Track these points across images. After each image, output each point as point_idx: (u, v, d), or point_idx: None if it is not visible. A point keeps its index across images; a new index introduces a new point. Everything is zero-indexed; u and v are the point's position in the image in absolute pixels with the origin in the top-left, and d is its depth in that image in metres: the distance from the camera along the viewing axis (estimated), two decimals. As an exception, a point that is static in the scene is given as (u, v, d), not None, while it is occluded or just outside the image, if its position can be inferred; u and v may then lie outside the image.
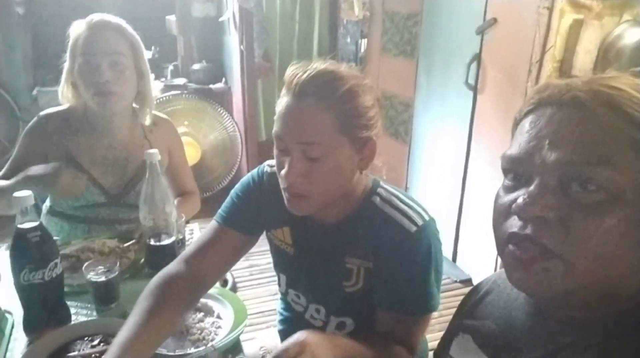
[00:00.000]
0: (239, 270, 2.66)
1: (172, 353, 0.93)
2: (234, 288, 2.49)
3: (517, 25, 2.14)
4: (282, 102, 0.84)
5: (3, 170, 1.40)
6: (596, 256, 0.49)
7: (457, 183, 2.63)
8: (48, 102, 1.44)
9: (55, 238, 1.05)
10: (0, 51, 2.98)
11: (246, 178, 1.03)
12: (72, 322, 1.01)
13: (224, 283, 2.48)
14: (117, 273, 1.06)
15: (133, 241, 1.31)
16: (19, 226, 0.89)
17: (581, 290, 0.51)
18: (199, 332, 1.00)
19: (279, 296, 1.16)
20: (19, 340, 0.97)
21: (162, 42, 3.40)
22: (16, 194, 0.89)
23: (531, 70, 2.05)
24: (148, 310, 0.84)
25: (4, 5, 2.93)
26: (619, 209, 0.48)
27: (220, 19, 3.31)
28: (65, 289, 1.03)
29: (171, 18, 3.36)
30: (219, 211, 1.02)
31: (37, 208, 1.42)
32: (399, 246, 0.87)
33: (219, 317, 1.06)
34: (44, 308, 0.96)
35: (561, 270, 0.50)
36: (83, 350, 0.91)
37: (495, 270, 2.35)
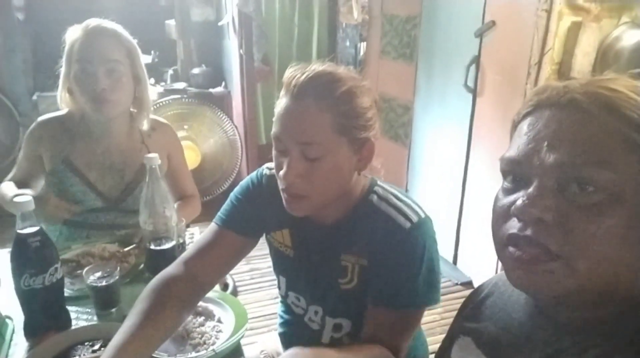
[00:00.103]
0: (240, 274, 2.66)
1: (172, 358, 0.93)
2: (235, 292, 2.49)
3: (515, 27, 2.14)
4: (281, 103, 0.85)
5: (11, 173, 1.44)
6: (596, 256, 0.49)
7: (457, 186, 2.63)
8: (48, 107, 1.44)
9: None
10: (0, 55, 2.99)
11: (245, 180, 1.04)
12: (73, 327, 1.01)
13: (225, 287, 2.48)
14: (117, 277, 1.06)
15: (133, 245, 1.31)
16: (20, 231, 0.89)
17: (582, 290, 0.51)
18: (199, 336, 1.00)
19: (279, 299, 1.16)
20: (19, 345, 0.97)
21: (162, 47, 3.41)
22: (16, 199, 0.89)
23: (530, 72, 2.06)
24: (145, 312, 0.84)
25: (4, 11, 2.94)
26: (618, 210, 0.48)
27: (220, 23, 3.32)
28: (66, 294, 1.03)
29: (170, 22, 3.37)
30: (219, 213, 1.02)
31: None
32: (392, 242, 0.87)
33: (219, 320, 1.06)
34: (44, 313, 0.96)
35: (562, 271, 0.50)
36: (84, 355, 0.91)
37: (496, 272, 2.34)
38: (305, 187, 0.84)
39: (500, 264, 2.29)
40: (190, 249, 0.99)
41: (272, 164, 0.92)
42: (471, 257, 2.66)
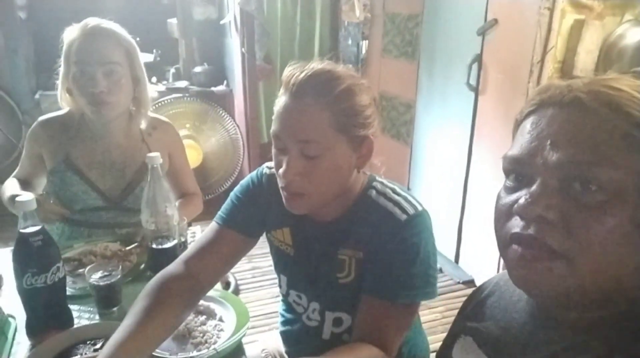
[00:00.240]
0: (242, 273, 2.66)
1: (174, 357, 0.93)
2: (237, 291, 2.50)
3: (518, 25, 2.14)
4: (280, 101, 0.86)
5: (15, 171, 1.45)
6: (599, 256, 0.49)
7: (459, 184, 2.63)
8: (50, 106, 1.45)
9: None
10: (2, 55, 2.99)
11: (245, 179, 1.04)
12: (75, 326, 1.01)
13: (227, 285, 2.48)
14: (119, 276, 1.06)
15: (135, 244, 1.31)
16: (21, 230, 0.90)
17: (583, 290, 0.51)
18: (201, 334, 1.00)
19: (280, 298, 1.16)
20: (21, 344, 0.97)
21: (164, 45, 3.41)
22: (18, 199, 0.89)
23: (532, 71, 2.05)
24: (144, 311, 0.84)
25: (7, 10, 2.94)
26: (621, 209, 0.48)
27: (222, 22, 3.32)
28: (68, 293, 1.03)
29: (172, 21, 3.37)
30: (219, 212, 1.02)
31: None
32: (387, 233, 0.87)
33: (221, 319, 1.06)
34: (46, 312, 0.96)
35: (564, 270, 0.50)
36: (86, 353, 0.91)
37: (498, 270, 2.34)
38: (305, 185, 0.84)
39: (502, 263, 2.29)
40: (190, 248, 1.00)
41: (272, 163, 0.92)
42: (473, 256, 2.65)
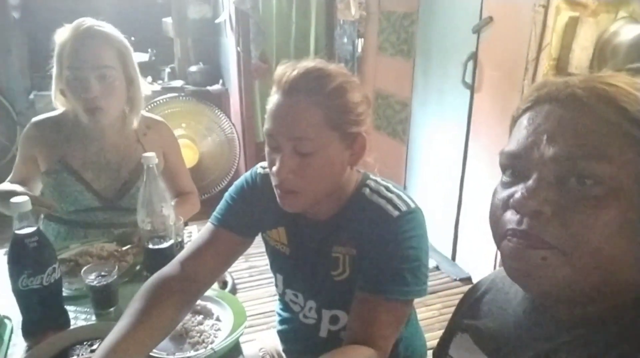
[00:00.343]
0: (239, 272, 2.66)
1: (171, 357, 0.93)
2: (234, 290, 2.49)
3: (513, 23, 2.14)
4: (273, 100, 0.86)
5: (10, 177, 1.43)
6: (594, 250, 0.49)
7: (455, 182, 2.64)
8: (45, 106, 1.44)
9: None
10: (-4, 54, 2.98)
11: (240, 180, 1.04)
12: (71, 327, 1.01)
13: (224, 285, 2.48)
14: (115, 277, 1.06)
15: (130, 246, 1.31)
16: (17, 231, 0.89)
17: (578, 284, 0.51)
18: (198, 334, 1.00)
19: (277, 297, 1.16)
20: (18, 346, 0.97)
21: (159, 45, 3.40)
22: (13, 200, 0.89)
23: (528, 68, 2.05)
24: (139, 312, 0.84)
25: (0, 10, 2.92)
26: (616, 203, 0.48)
27: (217, 21, 3.31)
28: (64, 294, 1.03)
29: (167, 20, 3.36)
30: (214, 213, 1.02)
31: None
32: (379, 229, 0.87)
33: (218, 319, 1.06)
34: (42, 313, 0.96)
35: (559, 261, 0.50)
36: (82, 354, 0.91)
37: (495, 267, 2.35)
38: (298, 182, 0.85)
39: (498, 260, 2.30)
40: (186, 249, 0.99)
41: (266, 163, 0.92)
42: (469, 253, 2.66)
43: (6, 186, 1.35)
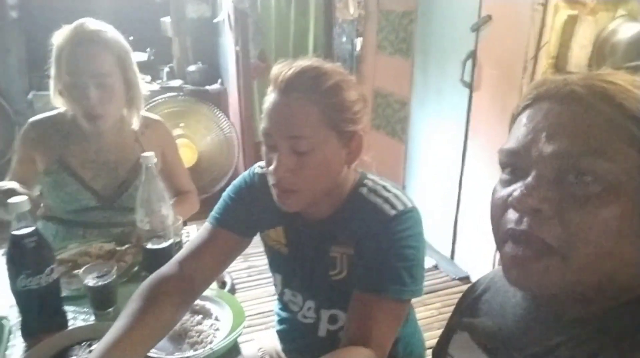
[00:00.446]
0: (238, 272, 2.66)
1: (170, 357, 0.93)
2: (233, 290, 2.49)
3: (511, 22, 2.14)
4: (269, 99, 0.86)
5: (7, 176, 1.42)
6: (593, 248, 0.49)
7: (454, 181, 2.63)
8: (44, 106, 1.43)
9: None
10: (-6, 55, 2.97)
11: (238, 179, 1.04)
12: (70, 327, 1.01)
13: (223, 285, 2.48)
14: (114, 277, 1.06)
15: (128, 246, 1.30)
16: (15, 232, 0.89)
17: (578, 284, 0.51)
18: (197, 334, 0.99)
19: (276, 297, 1.16)
20: (16, 346, 0.97)
21: (157, 44, 3.39)
22: (11, 200, 0.88)
23: (526, 66, 2.05)
24: (137, 312, 0.83)
25: (-2, 9, 2.92)
26: (615, 201, 0.48)
27: (215, 20, 3.31)
28: (63, 294, 1.02)
29: (166, 20, 3.35)
30: (212, 213, 1.02)
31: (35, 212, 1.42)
32: (376, 228, 0.87)
33: (217, 319, 1.06)
34: (41, 313, 0.96)
35: (560, 267, 0.50)
36: (81, 355, 0.91)
37: (493, 266, 2.35)
38: (296, 181, 0.84)
39: (497, 259, 2.30)
40: (184, 249, 0.99)
41: (264, 163, 0.92)
42: (468, 252, 2.66)
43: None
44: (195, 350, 0.95)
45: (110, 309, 1.07)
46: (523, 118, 0.55)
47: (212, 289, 1.14)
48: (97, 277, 1.05)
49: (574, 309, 0.56)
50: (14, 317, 1.01)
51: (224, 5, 3.15)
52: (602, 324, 0.53)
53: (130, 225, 1.39)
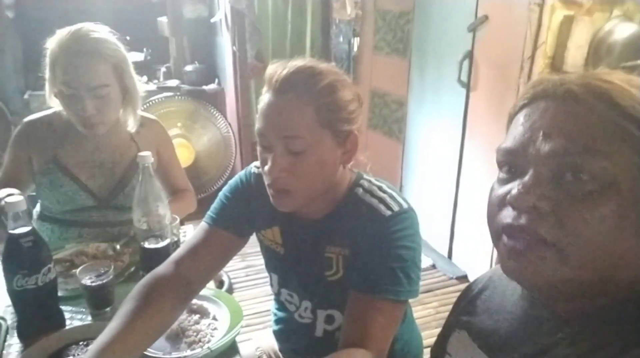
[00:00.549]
0: (235, 271, 2.66)
1: (167, 356, 0.93)
2: (230, 289, 2.49)
3: (508, 22, 2.15)
4: (264, 99, 0.86)
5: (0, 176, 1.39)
6: (590, 245, 0.49)
7: (451, 180, 2.64)
8: (40, 106, 1.43)
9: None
10: (-10, 54, 2.96)
11: (234, 179, 1.04)
12: (67, 327, 1.00)
13: (220, 284, 2.48)
14: (111, 277, 1.06)
15: (125, 239, 1.30)
16: (11, 231, 0.89)
17: (575, 280, 0.51)
18: (194, 333, 0.99)
19: (273, 297, 1.16)
20: (13, 346, 0.96)
21: (154, 44, 3.38)
22: (8, 199, 0.88)
23: (523, 66, 2.06)
24: (132, 312, 0.83)
25: (-6, 9, 2.91)
26: (612, 198, 0.48)
27: (212, 20, 3.30)
28: (60, 294, 1.02)
29: (163, 19, 3.35)
30: (208, 213, 1.01)
31: (29, 213, 1.41)
32: (371, 229, 0.87)
33: (214, 318, 1.06)
34: (38, 313, 0.96)
35: (555, 259, 0.50)
36: (78, 355, 0.90)
37: (491, 265, 2.36)
38: (291, 181, 0.84)
39: (495, 258, 2.31)
40: (180, 249, 0.98)
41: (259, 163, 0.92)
42: (466, 251, 2.67)
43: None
44: (193, 349, 0.95)
45: (107, 309, 1.06)
46: (520, 117, 0.56)
47: (210, 288, 1.14)
48: (94, 277, 1.04)
49: (571, 307, 0.56)
50: (10, 317, 1.00)
51: (221, 5, 3.15)
52: (599, 322, 0.53)
53: (127, 224, 1.39)
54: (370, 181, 0.94)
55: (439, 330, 0.79)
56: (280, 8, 3.44)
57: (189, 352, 0.94)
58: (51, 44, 1.28)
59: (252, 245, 1.07)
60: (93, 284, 1.04)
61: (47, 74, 1.32)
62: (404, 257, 0.85)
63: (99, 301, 1.06)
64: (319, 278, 0.96)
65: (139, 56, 3.27)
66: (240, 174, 1.04)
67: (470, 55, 2.38)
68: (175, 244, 1.22)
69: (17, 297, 0.93)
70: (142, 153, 1.12)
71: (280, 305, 1.12)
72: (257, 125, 0.86)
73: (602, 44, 1.90)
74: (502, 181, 0.56)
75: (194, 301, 1.06)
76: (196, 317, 1.05)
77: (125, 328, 0.80)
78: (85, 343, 0.93)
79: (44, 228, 1.42)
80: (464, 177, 2.57)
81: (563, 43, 1.94)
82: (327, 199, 0.93)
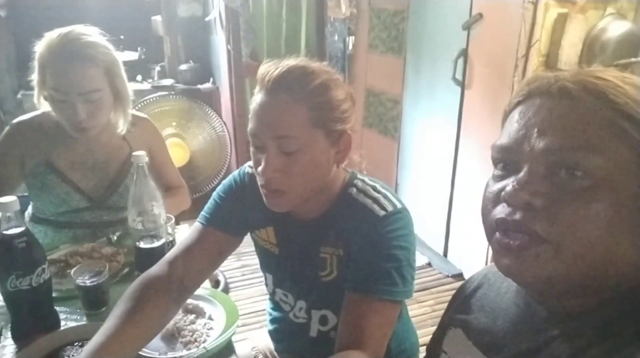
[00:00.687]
0: (231, 271, 2.65)
1: (163, 356, 0.93)
2: (226, 289, 2.49)
3: (502, 20, 2.15)
4: (256, 99, 0.86)
5: None
6: (584, 242, 0.49)
7: (446, 178, 2.64)
8: (33, 106, 1.41)
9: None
10: (-18, 54, 2.94)
11: (228, 179, 1.03)
12: (62, 328, 1.00)
13: (216, 284, 2.47)
14: (106, 277, 1.05)
15: (119, 233, 1.31)
16: (5, 232, 0.88)
17: (569, 277, 0.51)
18: (190, 333, 0.99)
19: (268, 296, 1.16)
20: (7, 348, 0.96)
21: (149, 43, 3.37)
22: (1, 200, 0.87)
23: (517, 64, 2.06)
24: (125, 313, 0.83)
25: (-14, 8, 2.88)
26: (606, 195, 0.49)
27: (207, 19, 3.29)
28: (54, 294, 1.02)
29: (157, 18, 3.33)
30: (202, 212, 1.01)
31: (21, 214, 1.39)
32: (365, 229, 0.87)
33: (210, 318, 1.06)
34: (32, 314, 0.95)
35: (549, 255, 0.50)
36: (73, 355, 0.90)
37: (486, 263, 2.36)
38: (284, 182, 0.84)
39: (490, 255, 2.31)
40: (174, 249, 0.98)
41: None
42: (461, 249, 2.67)
43: None
44: (189, 349, 0.95)
45: (102, 309, 1.06)
46: (515, 114, 0.56)
47: (206, 288, 1.13)
48: (89, 277, 1.04)
49: (566, 303, 0.56)
50: (4, 318, 1.00)
51: (215, 4, 3.14)
52: (593, 319, 0.54)
53: (121, 224, 1.39)
54: (364, 181, 0.94)
55: (434, 328, 0.79)
56: (274, 6, 3.43)
57: (184, 352, 0.94)
58: (40, 47, 1.26)
59: (248, 244, 1.07)
60: (88, 284, 1.03)
61: (36, 78, 1.30)
62: (398, 257, 0.85)
63: (94, 301, 1.05)
64: (313, 278, 0.96)
65: (133, 55, 3.26)
66: (234, 174, 1.03)
67: (465, 53, 2.38)
68: (171, 244, 1.22)
69: (11, 298, 0.92)
70: (136, 153, 1.11)
71: (275, 305, 1.12)
72: (250, 125, 0.86)
73: (596, 41, 1.91)
74: (497, 178, 0.57)
75: (190, 301, 1.05)
76: (192, 316, 1.05)
77: (120, 328, 0.80)
78: (80, 344, 0.93)
79: (37, 231, 1.41)
80: (459, 175, 2.58)
81: (557, 41, 1.95)
82: (321, 199, 0.92)
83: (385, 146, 3.12)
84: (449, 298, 0.80)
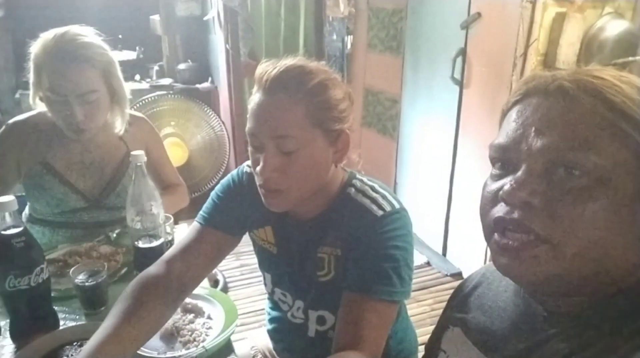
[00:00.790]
0: (230, 270, 2.65)
1: (162, 356, 0.92)
2: (225, 288, 2.49)
3: (501, 19, 2.15)
4: (254, 99, 0.86)
5: None
6: (582, 241, 0.49)
7: (445, 177, 2.65)
8: (31, 106, 1.41)
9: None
10: (-20, 53, 2.93)
11: (226, 178, 1.03)
12: (61, 327, 1.00)
13: (215, 283, 2.47)
14: (105, 276, 1.05)
15: (118, 230, 1.31)
16: (3, 232, 0.88)
17: (568, 276, 0.51)
18: (189, 333, 0.99)
19: (267, 296, 1.16)
20: (6, 348, 0.96)
21: (147, 43, 3.37)
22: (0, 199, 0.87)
23: (516, 63, 2.07)
24: (124, 312, 0.82)
25: (-17, 8, 2.88)
26: (604, 193, 0.49)
27: (205, 18, 3.29)
28: (53, 294, 1.02)
29: (155, 18, 3.33)
30: (200, 212, 1.01)
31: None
32: (363, 229, 0.87)
33: (209, 317, 1.06)
34: (31, 314, 0.95)
35: (548, 256, 0.51)
36: (72, 355, 0.90)
37: (485, 262, 2.37)
38: (283, 181, 0.84)
39: (488, 254, 2.31)
40: (172, 248, 0.98)
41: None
42: (460, 248, 2.68)
43: None
44: (188, 348, 0.95)
45: (101, 309, 1.06)
46: (513, 113, 0.56)
47: (205, 287, 1.14)
48: (88, 277, 1.04)
49: (563, 303, 0.56)
50: (3, 318, 1.00)
51: (214, 3, 3.13)
52: (591, 318, 0.54)
53: (118, 224, 1.39)
54: (362, 181, 0.94)
55: (433, 327, 0.79)
56: (273, 6, 3.43)
57: (183, 351, 0.94)
58: (35, 48, 1.25)
59: (247, 243, 1.07)
60: (86, 284, 1.03)
61: (31, 79, 1.29)
62: (396, 257, 0.85)
63: (93, 301, 1.05)
64: (310, 278, 0.96)
65: (131, 55, 3.26)
66: (233, 173, 1.03)
67: (463, 52, 2.39)
68: (169, 243, 1.22)
69: (10, 298, 0.92)
70: (134, 152, 1.11)
71: (274, 304, 1.12)
72: (248, 125, 0.86)
73: (594, 41, 1.91)
74: (495, 177, 0.57)
75: (189, 300, 1.05)
76: (191, 316, 1.05)
77: (119, 328, 0.79)
78: (79, 343, 0.92)
79: (34, 231, 1.40)
80: (457, 174, 2.58)
81: (555, 40, 1.95)
82: (320, 198, 0.92)
83: (384, 145, 3.12)
84: (448, 297, 0.80)
